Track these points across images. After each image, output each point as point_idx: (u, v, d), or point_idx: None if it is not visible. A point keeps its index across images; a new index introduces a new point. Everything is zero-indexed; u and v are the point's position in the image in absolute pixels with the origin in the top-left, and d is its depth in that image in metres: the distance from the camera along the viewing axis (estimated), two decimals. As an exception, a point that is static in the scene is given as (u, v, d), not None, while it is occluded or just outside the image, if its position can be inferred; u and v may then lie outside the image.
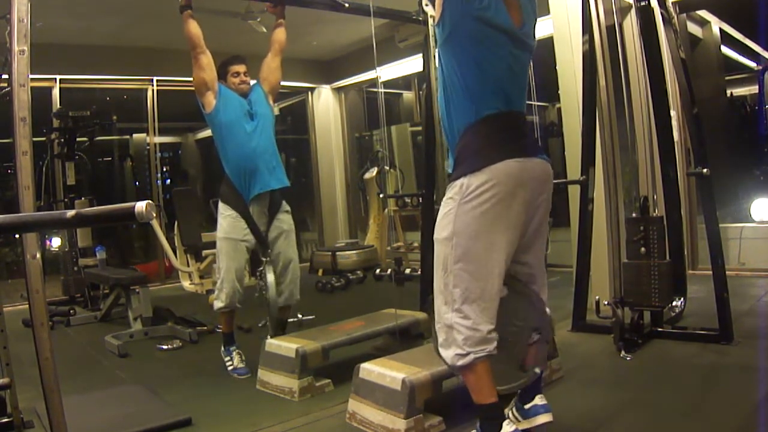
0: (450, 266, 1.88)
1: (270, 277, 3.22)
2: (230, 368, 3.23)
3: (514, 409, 2.11)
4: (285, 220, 3.33)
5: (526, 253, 2.01)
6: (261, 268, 3.28)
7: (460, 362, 1.85)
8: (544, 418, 2.04)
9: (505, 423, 1.86)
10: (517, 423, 2.04)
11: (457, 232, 1.87)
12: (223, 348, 3.33)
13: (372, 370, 2.39)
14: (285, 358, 2.79)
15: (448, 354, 1.88)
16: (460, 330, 1.85)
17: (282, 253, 3.29)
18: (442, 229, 1.92)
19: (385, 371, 2.33)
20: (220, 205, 3.25)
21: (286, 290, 3.30)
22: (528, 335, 2.03)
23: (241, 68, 3.28)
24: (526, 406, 2.08)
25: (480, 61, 1.88)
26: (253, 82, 3.37)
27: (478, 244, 1.85)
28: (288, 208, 3.36)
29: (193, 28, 3.10)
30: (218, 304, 3.22)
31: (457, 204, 1.87)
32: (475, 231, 1.85)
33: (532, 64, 2.08)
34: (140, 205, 0.99)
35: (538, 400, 2.06)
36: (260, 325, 4.08)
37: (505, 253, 1.88)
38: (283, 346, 2.84)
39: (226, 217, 3.21)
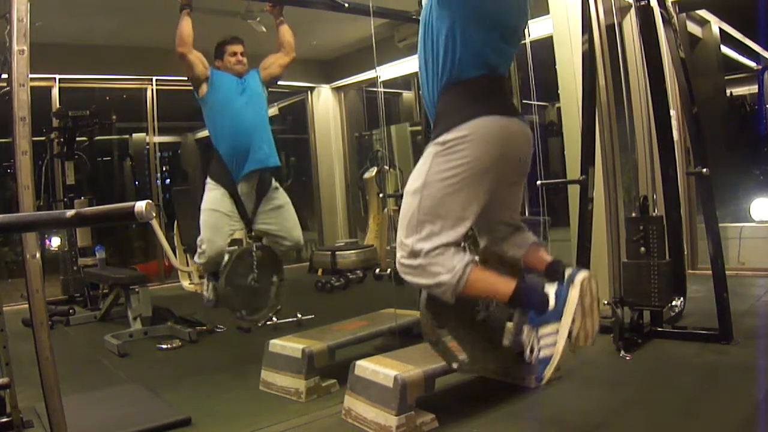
0: (418, 219, 1.84)
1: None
2: (204, 293, 3.33)
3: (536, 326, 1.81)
4: (278, 196, 3.33)
5: (501, 212, 2.01)
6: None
7: (455, 279, 1.77)
8: (582, 275, 1.79)
9: (546, 284, 1.77)
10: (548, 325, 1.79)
11: (428, 183, 1.83)
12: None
13: (366, 367, 2.40)
14: (291, 358, 2.78)
15: (442, 279, 1.80)
16: (436, 263, 1.80)
17: (281, 227, 3.30)
18: (413, 182, 1.88)
19: (378, 368, 2.35)
20: (208, 180, 3.26)
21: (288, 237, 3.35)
22: (505, 315, 1.98)
23: (238, 48, 3.31)
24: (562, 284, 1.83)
25: (473, 23, 1.86)
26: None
27: (449, 198, 1.81)
28: (277, 185, 3.36)
29: (187, 26, 3.13)
30: (199, 260, 3.26)
31: (432, 157, 1.85)
32: (448, 184, 1.81)
33: (531, 64, 2.09)
34: (140, 205, 0.99)
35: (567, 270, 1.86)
36: (260, 325, 4.08)
37: (475, 209, 1.86)
38: (288, 346, 2.83)
39: (213, 190, 3.22)
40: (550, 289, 1.75)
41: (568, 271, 1.88)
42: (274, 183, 3.34)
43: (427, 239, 1.82)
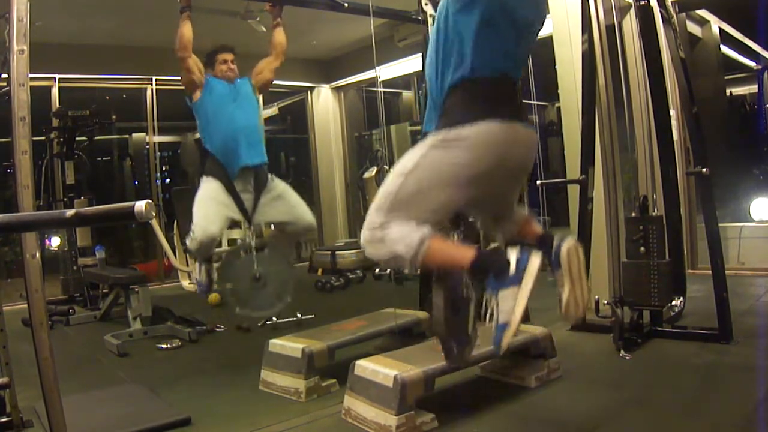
0: (392, 201, 1.82)
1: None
2: (194, 275, 3.33)
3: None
4: (275, 186, 3.35)
5: (494, 206, 2.02)
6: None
7: (411, 251, 1.74)
8: (567, 244, 1.84)
9: (508, 250, 1.73)
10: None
11: (417, 168, 1.81)
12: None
13: (366, 367, 2.41)
14: (290, 358, 2.78)
15: (398, 251, 1.78)
16: (393, 235, 1.80)
17: (289, 214, 3.32)
18: (403, 163, 1.86)
19: (378, 368, 2.35)
20: (204, 177, 3.28)
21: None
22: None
23: (228, 56, 3.37)
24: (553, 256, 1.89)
25: (491, 22, 1.83)
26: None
27: (431, 191, 1.79)
28: (273, 176, 3.38)
29: (188, 30, 3.16)
30: (190, 246, 3.21)
31: (429, 148, 1.83)
32: (435, 176, 1.79)
33: (531, 63, 2.08)
34: (139, 205, 0.99)
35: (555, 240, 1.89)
36: (260, 324, 4.09)
37: (452, 207, 1.87)
38: (288, 346, 2.83)
39: (208, 182, 3.23)
40: (512, 255, 1.72)
41: (556, 241, 1.89)
42: (270, 176, 3.38)
43: (394, 220, 1.82)
